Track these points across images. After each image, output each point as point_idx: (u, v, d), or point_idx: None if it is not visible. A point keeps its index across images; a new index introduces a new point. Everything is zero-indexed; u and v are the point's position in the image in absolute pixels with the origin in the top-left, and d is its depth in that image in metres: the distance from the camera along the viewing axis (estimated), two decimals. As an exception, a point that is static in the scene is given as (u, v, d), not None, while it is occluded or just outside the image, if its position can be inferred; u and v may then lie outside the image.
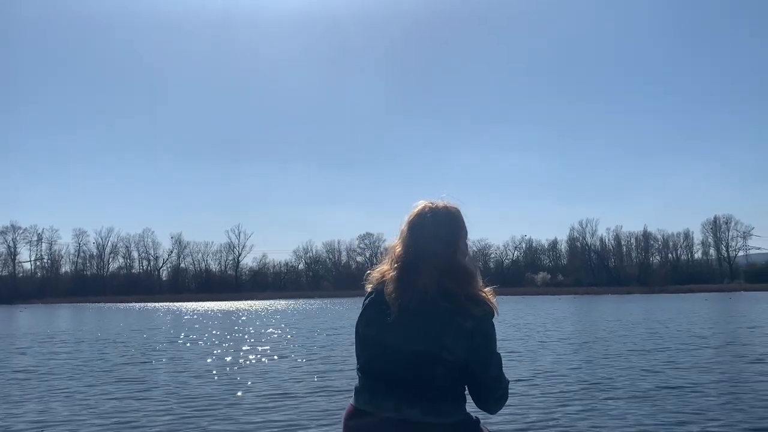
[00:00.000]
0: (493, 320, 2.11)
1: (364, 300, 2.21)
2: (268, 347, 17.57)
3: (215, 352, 16.45)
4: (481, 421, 2.19)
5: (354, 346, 2.22)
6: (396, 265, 2.13)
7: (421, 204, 2.20)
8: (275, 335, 22.40)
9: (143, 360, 14.79)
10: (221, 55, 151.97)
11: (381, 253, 2.29)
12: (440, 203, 2.20)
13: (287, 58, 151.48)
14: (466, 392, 2.14)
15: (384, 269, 2.18)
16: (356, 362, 2.21)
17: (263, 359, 14.53)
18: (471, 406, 2.18)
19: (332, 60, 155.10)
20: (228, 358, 14.75)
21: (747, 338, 17.61)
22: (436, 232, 2.12)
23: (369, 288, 2.20)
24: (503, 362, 2.14)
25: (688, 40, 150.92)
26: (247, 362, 13.96)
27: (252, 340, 20.06)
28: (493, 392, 2.11)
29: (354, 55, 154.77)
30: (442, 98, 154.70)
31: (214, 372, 12.24)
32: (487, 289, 2.14)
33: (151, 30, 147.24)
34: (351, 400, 2.19)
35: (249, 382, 10.83)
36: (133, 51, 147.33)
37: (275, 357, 14.94)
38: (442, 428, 2.04)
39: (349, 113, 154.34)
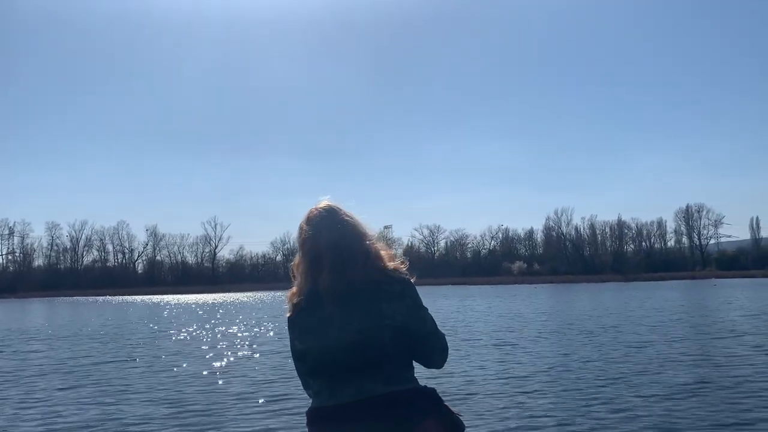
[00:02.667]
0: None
1: (288, 322, 2.27)
2: (254, 343, 17.18)
3: (198, 349, 16.06)
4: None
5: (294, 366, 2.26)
6: (310, 265, 2.23)
7: (308, 211, 2.33)
8: (259, 329, 22.08)
9: (121, 359, 14.33)
10: (197, 47, 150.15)
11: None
12: (322, 204, 2.33)
13: (266, 51, 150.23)
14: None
15: (299, 283, 2.26)
16: (302, 376, 2.24)
17: (251, 356, 14.03)
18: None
19: (311, 51, 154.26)
20: (212, 357, 14.20)
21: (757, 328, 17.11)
22: (333, 221, 2.26)
23: (289, 304, 2.28)
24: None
25: (661, 31, 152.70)
26: (234, 361, 13.36)
27: (236, 335, 19.79)
28: (435, 345, 2.22)
29: (334, 46, 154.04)
30: (418, 90, 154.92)
31: (201, 373, 11.67)
32: (398, 260, 2.26)
33: (126, 22, 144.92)
34: (310, 404, 2.22)
35: (238, 383, 10.35)
36: (108, 43, 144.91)
37: (264, 354, 14.34)
38: (405, 395, 2.10)
39: (327, 105, 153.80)
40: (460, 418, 2.19)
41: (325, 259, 2.21)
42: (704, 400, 8.09)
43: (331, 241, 2.22)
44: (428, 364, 2.25)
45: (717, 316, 22.00)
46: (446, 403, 2.20)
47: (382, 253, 2.25)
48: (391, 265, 2.23)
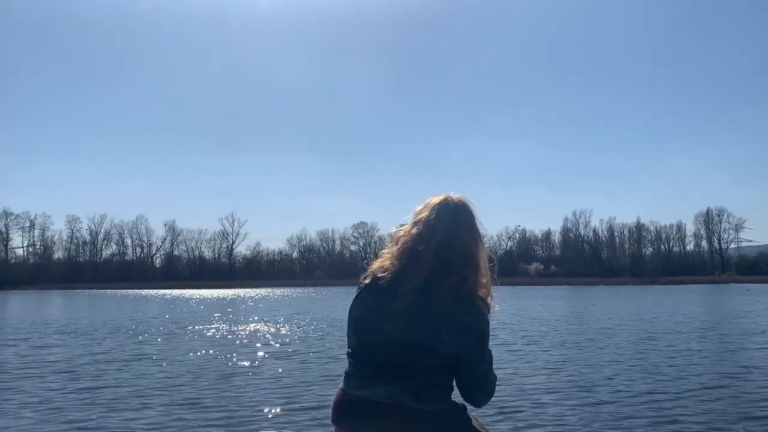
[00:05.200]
0: (490, 316, 2.18)
1: (360, 283, 2.21)
2: (277, 342, 16.70)
3: (220, 348, 15.52)
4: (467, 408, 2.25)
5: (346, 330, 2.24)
6: (412, 253, 2.12)
7: (443, 195, 2.21)
8: (285, 327, 21.62)
9: (141, 356, 13.79)
10: (217, 42, 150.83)
11: (375, 242, 2.30)
12: (458, 197, 2.22)
13: (284, 45, 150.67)
14: (454, 383, 2.19)
15: (393, 253, 2.17)
16: (347, 346, 2.22)
17: (274, 358, 13.35)
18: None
19: (329, 48, 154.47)
20: (234, 357, 13.55)
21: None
22: (461, 226, 2.15)
23: (370, 272, 2.20)
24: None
25: (683, 31, 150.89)
26: (256, 362, 12.60)
27: (258, 333, 19.44)
28: (483, 387, 2.17)
29: (351, 44, 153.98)
30: (438, 88, 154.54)
31: (222, 375, 10.91)
32: (489, 290, 2.19)
33: (145, 16, 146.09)
34: (340, 385, 2.20)
35: (260, 388, 9.46)
36: (128, 37, 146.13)
37: (286, 357, 13.57)
38: (431, 415, 2.07)
39: (345, 102, 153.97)
40: None
41: (425, 263, 2.10)
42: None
43: (444, 251, 2.11)
44: (467, 399, 2.21)
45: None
46: (476, 422, 2.18)
47: (482, 278, 2.16)
48: (479, 292, 2.14)
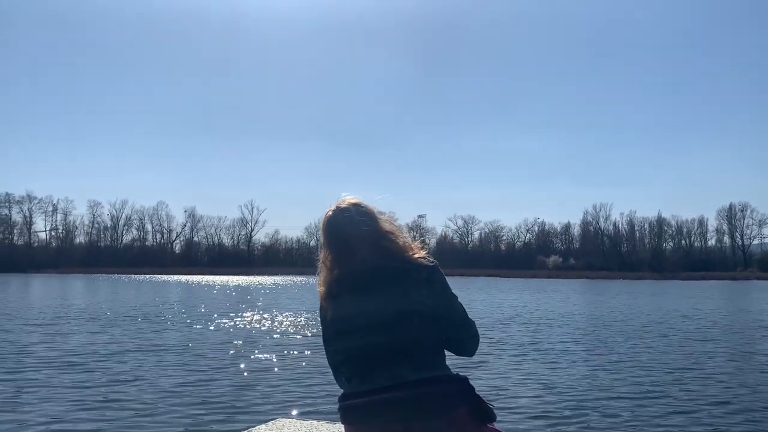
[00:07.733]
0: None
1: (320, 316, 2.28)
2: (302, 332, 16.34)
3: (246, 337, 15.17)
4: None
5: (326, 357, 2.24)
6: (331, 260, 2.22)
7: (327, 209, 2.33)
8: (305, 316, 21.18)
9: (158, 345, 13.43)
10: (235, 28, 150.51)
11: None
12: (342, 200, 2.31)
13: (303, 34, 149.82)
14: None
15: (324, 275, 2.25)
16: (333, 366, 2.23)
17: (291, 350, 12.95)
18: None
19: (349, 38, 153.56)
20: (260, 347, 13.17)
21: None
22: (352, 217, 2.23)
23: (321, 304, 2.27)
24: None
25: (708, 23, 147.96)
26: (275, 355, 12.21)
27: (284, 323, 19.00)
28: (466, 332, 2.22)
29: (371, 34, 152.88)
30: (458, 80, 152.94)
31: (249, 368, 10.56)
32: (418, 246, 2.24)
33: (167, 6, 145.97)
34: (343, 390, 2.21)
35: (273, 384, 9.08)
36: (150, 26, 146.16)
37: (315, 346, 13.02)
38: (437, 381, 2.08)
39: (364, 92, 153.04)
40: (492, 408, 2.17)
41: (332, 248, 2.22)
42: None
43: (337, 245, 2.22)
44: (459, 352, 2.26)
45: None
46: (478, 393, 2.18)
47: (400, 240, 2.21)
48: (414, 252, 2.20)
